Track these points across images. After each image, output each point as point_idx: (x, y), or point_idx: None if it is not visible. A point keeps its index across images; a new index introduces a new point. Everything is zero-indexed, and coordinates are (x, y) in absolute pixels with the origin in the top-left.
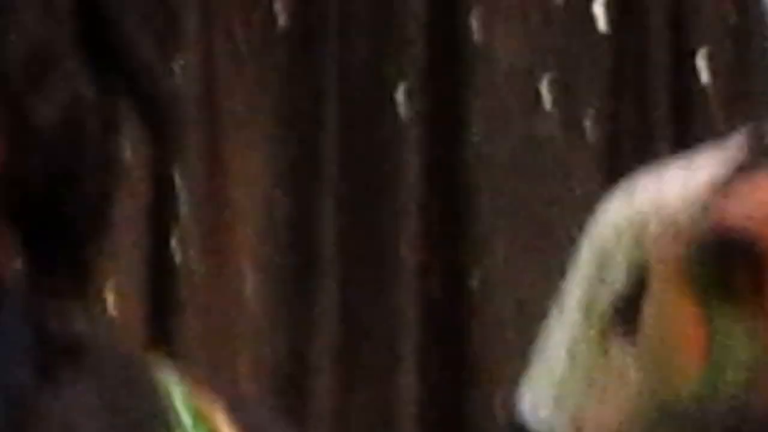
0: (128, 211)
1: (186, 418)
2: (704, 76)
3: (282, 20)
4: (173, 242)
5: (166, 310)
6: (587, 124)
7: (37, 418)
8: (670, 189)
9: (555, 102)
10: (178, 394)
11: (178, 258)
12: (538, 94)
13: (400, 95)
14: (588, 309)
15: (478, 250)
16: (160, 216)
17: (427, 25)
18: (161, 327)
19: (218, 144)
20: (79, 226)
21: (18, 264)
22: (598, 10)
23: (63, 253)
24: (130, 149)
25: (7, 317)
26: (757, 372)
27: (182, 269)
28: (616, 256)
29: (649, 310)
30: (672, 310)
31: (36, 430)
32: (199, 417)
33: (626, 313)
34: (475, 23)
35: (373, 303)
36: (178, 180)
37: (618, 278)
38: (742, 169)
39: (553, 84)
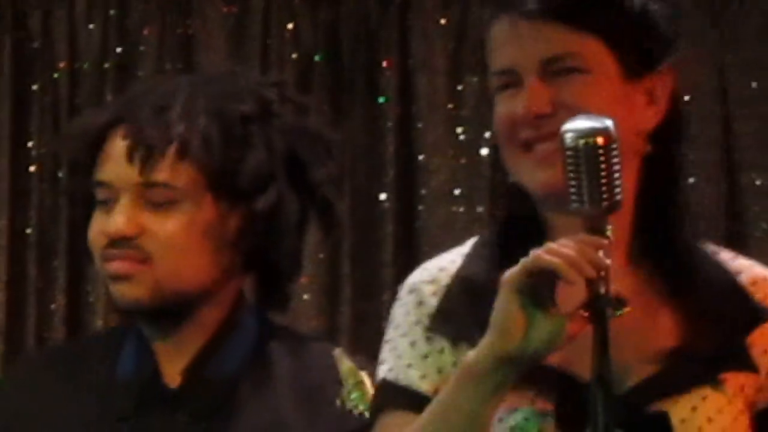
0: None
1: (348, 381)
2: None
3: None
4: None
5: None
6: None
7: (251, 375)
8: (436, 263)
9: None
10: (342, 363)
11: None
12: None
13: None
14: (416, 322)
15: None
16: None
17: None
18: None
19: None
20: (283, 270)
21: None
22: None
23: (276, 284)
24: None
25: (246, 317)
26: (550, 341)
27: None
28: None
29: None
30: (505, 307)
31: (246, 389)
32: (354, 379)
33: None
34: None
35: None
36: None
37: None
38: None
39: None
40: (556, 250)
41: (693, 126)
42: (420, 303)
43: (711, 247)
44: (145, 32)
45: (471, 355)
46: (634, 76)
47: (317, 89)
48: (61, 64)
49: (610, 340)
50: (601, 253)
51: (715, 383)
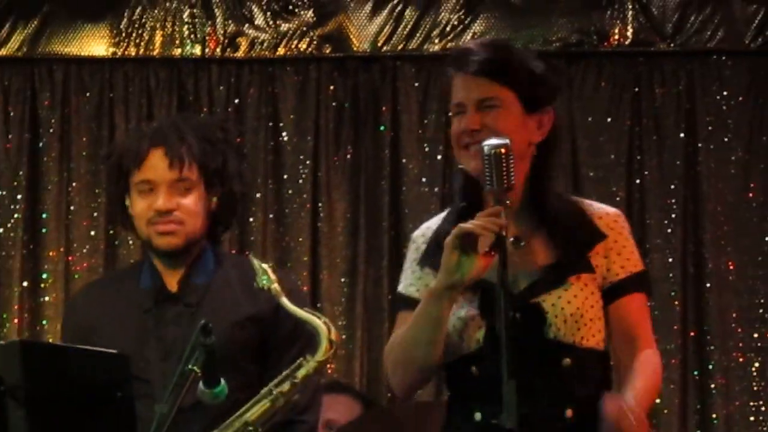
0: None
1: (259, 272)
2: None
3: None
4: None
5: None
6: None
7: (216, 281)
8: (429, 222)
9: None
10: (253, 262)
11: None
12: None
13: None
14: (414, 259)
15: None
16: None
17: None
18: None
19: None
20: (230, 224)
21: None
22: None
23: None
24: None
25: (207, 250)
26: (473, 272)
27: None
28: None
29: None
30: (447, 256)
31: (215, 288)
32: (261, 269)
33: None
34: None
35: None
36: None
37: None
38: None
39: None
40: (473, 222)
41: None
42: (417, 248)
43: (574, 198)
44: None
45: (431, 284)
46: (530, 112)
47: (346, 123)
48: None
49: (507, 262)
50: (501, 214)
51: (568, 282)
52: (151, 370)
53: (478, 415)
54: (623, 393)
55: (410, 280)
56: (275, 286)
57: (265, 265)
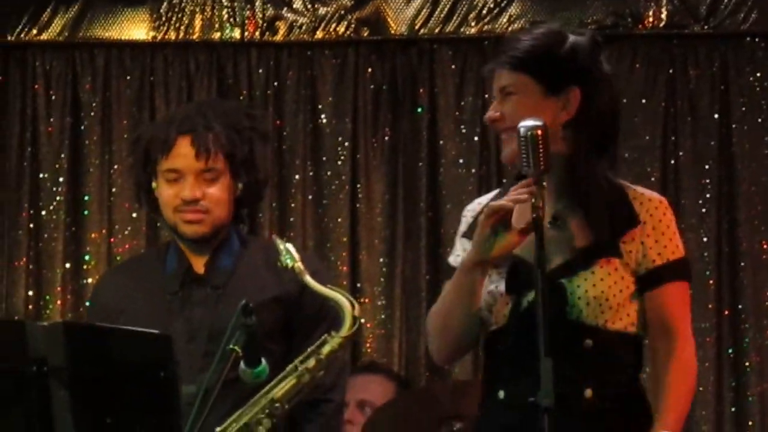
0: None
1: (282, 251)
2: None
3: None
4: None
5: None
6: None
7: (241, 263)
8: (481, 198)
9: None
10: (277, 243)
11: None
12: None
13: None
14: (463, 232)
15: None
16: None
17: None
18: None
19: None
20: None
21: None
22: None
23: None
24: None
25: (233, 234)
26: (506, 248)
27: None
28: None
29: None
30: (480, 233)
31: (241, 270)
32: (285, 249)
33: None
34: None
35: None
36: None
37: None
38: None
39: None
40: (504, 198)
41: None
42: (466, 221)
43: (620, 182)
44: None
45: (465, 256)
46: (552, 94)
47: (384, 105)
48: None
49: (544, 242)
50: (537, 196)
51: (597, 265)
52: (177, 352)
53: (501, 393)
54: (655, 424)
55: (457, 252)
56: (298, 264)
57: (288, 245)
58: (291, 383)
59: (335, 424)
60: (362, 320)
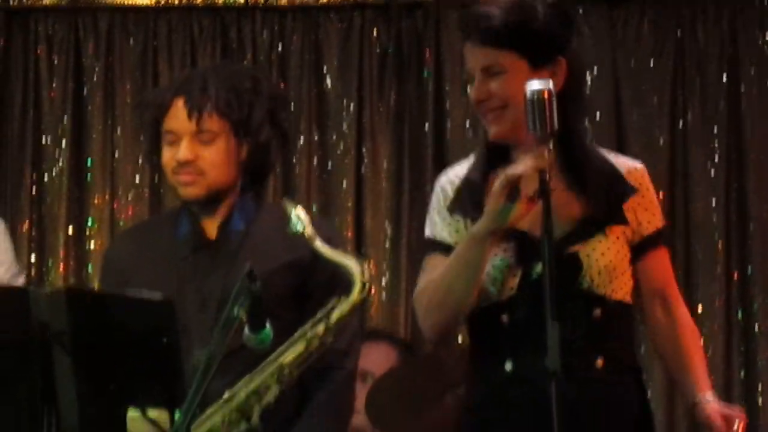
0: None
1: (292, 217)
2: None
3: None
4: None
5: None
6: None
7: (254, 228)
8: (455, 169)
9: None
10: (288, 207)
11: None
12: None
13: None
14: (442, 205)
15: None
16: None
17: None
18: None
19: None
20: (267, 171)
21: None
22: None
23: (261, 179)
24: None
25: (247, 198)
26: (516, 217)
27: None
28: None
29: None
30: (493, 202)
31: (253, 235)
32: (295, 214)
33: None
34: None
35: None
36: None
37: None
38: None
39: None
40: (517, 166)
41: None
42: (445, 195)
43: (601, 149)
44: None
45: (473, 227)
46: (538, 68)
47: (390, 69)
48: None
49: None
50: (546, 154)
51: (604, 233)
52: (189, 319)
53: (508, 365)
54: (694, 387)
55: (440, 226)
56: (308, 230)
57: (298, 211)
58: (300, 349)
59: (347, 392)
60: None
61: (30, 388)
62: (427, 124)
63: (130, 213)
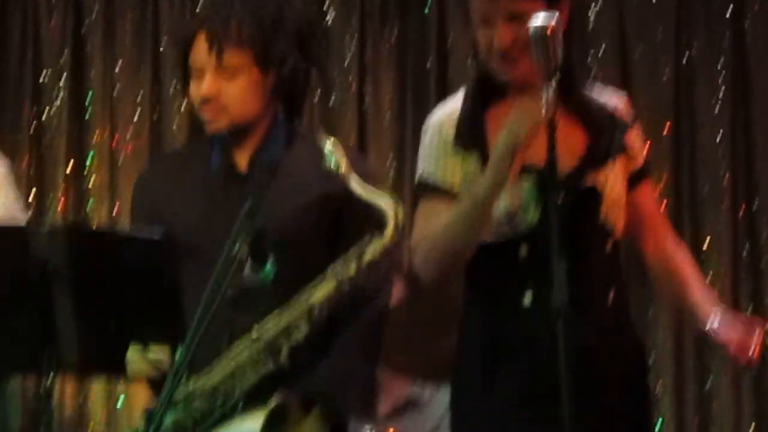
0: None
1: (329, 152)
2: None
3: None
4: None
5: None
6: None
7: (286, 160)
8: (447, 108)
9: None
10: (325, 143)
11: None
12: None
13: None
14: (438, 144)
15: None
16: None
17: None
18: None
19: None
20: (299, 101)
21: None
22: None
23: (295, 109)
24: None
25: (279, 128)
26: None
27: None
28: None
29: None
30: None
31: (285, 167)
32: (332, 151)
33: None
34: None
35: None
36: None
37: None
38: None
39: None
40: (515, 128)
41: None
42: (441, 132)
43: (594, 86)
44: None
45: (498, 147)
46: (554, 5)
47: (392, 3)
48: None
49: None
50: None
51: (613, 161)
52: (216, 251)
53: (527, 299)
54: (699, 314)
55: (433, 168)
56: (343, 166)
57: (333, 145)
58: (330, 288)
59: (377, 329)
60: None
61: (29, 326)
62: (429, 60)
63: (130, 149)
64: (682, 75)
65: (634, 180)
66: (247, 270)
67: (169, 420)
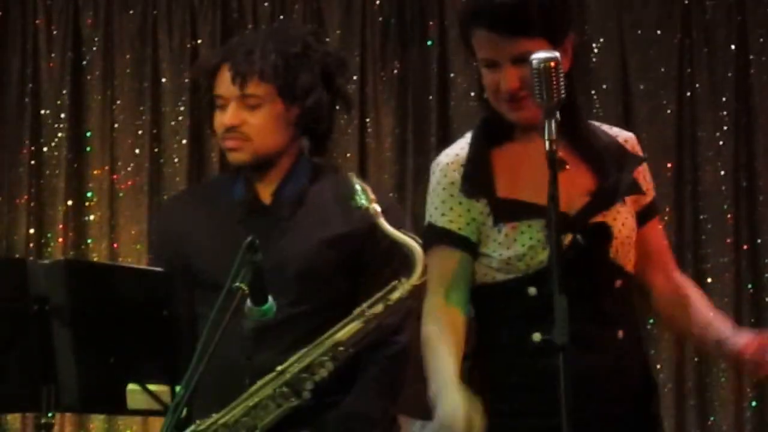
0: None
1: (357, 190)
2: None
3: None
4: None
5: None
6: None
7: (310, 195)
8: (453, 150)
9: None
10: (353, 180)
11: None
12: None
13: None
14: (444, 188)
15: None
16: None
17: None
18: None
19: None
20: (323, 135)
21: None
22: None
23: (319, 143)
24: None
25: (304, 162)
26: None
27: None
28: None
29: None
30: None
31: (308, 202)
32: (362, 188)
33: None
34: None
35: None
36: None
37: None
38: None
39: None
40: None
41: None
42: (446, 176)
43: (595, 123)
44: None
45: (463, 212)
46: (558, 45)
47: (393, 38)
48: None
49: (558, 185)
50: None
51: (623, 202)
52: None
53: (536, 336)
54: (725, 330)
55: (440, 212)
56: (374, 206)
57: (363, 184)
58: (357, 327)
59: (400, 367)
60: None
61: (28, 362)
62: (431, 94)
63: (129, 184)
64: (684, 110)
65: (644, 216)
66: (248, 305)
67: None
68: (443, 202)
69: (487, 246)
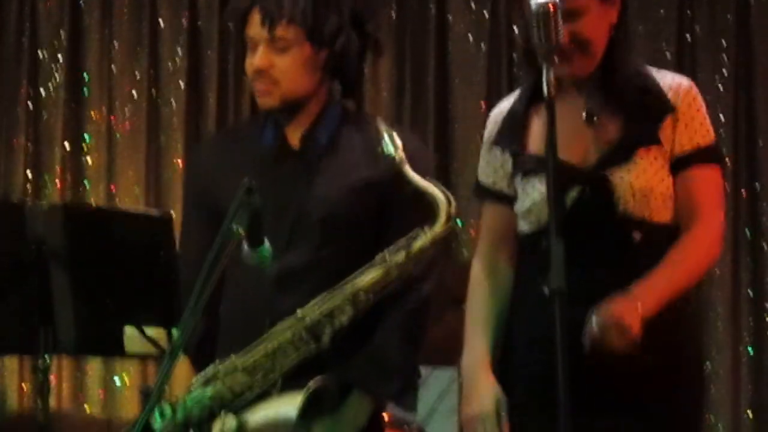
0: None
1: (385, 138)
2: None
3: None
4: None
5: None
6: None
7: (339, 140)
8: (502, 103)
9: None
10: (382, 127)
11: None
12: None
13: None
14: (488, 139)
15: None
16: None
17: None
18: None
19: None
20: (352, 79)
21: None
22: None
23: (349, 87)
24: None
25: (333, 107)
26: None
27: None
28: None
29: None
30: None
31: (337, 147)
32: (389, 136)
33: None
34: None
35: None
36: None
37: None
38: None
39: None
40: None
41: None
42: (488, 129)
43: (648, 69)
44: None
45: (498, 168)
46: (608, 5)
47: None
48: None
49: (574, 136)
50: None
51: (638, 156)
52: (265, 228)
53: (547, 289)
54: (631, 289)
55: (482, 168)
56: (400, 153)
57: (392, 131)
58: (378, 274)
59: (422, 317)
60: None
61: (26, 305)
62: (428, 37)
63: (127, 127)
64: (684, 54)
65: (676, 168)
66: (244, 248)
67: (209, 392)
68: (482, 157)
69: (517, 198)
